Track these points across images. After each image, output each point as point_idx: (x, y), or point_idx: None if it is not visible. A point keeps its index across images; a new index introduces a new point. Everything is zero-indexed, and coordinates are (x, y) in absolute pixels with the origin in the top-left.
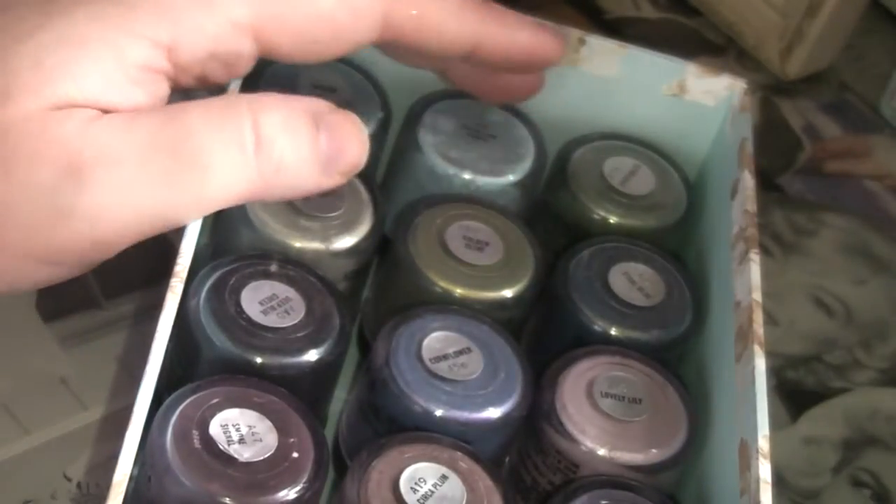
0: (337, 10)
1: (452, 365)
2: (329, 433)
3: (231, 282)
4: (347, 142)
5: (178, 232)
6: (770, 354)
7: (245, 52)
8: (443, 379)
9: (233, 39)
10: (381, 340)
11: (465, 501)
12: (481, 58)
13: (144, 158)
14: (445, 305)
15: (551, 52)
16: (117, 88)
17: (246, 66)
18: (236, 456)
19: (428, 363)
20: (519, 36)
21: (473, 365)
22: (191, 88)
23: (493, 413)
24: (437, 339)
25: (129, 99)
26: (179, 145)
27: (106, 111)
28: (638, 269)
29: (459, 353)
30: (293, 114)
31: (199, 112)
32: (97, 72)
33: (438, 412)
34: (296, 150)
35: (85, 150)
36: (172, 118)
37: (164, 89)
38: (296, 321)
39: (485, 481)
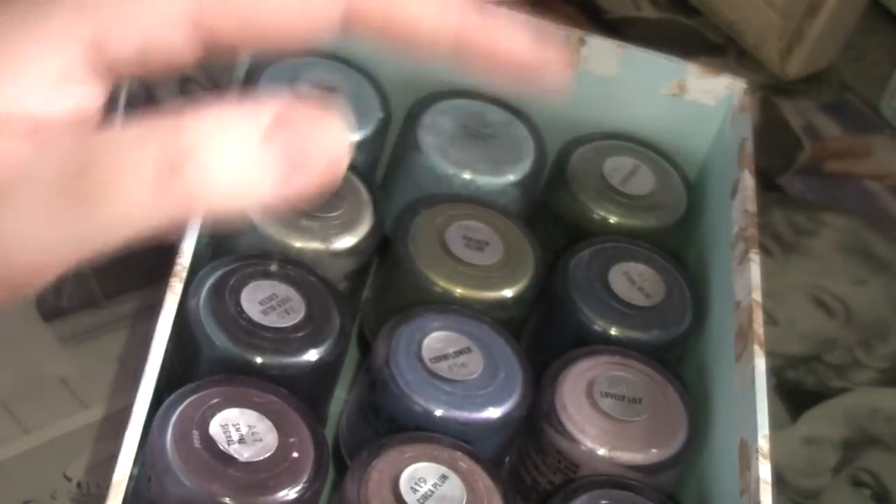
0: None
1: (452, 365)
2: (329, 433)
3: (231, 282)
4: (313, 139)
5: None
6: (770, 354)
7: (184, 42)
8: (443, 379)
9: (168, 30)
10: (381, 340)
11: (464, 501)
12: (466, 60)
13: (50, 184)
14: (445, 305)
15: (548, 65)
16: (40, 98)
17: (192, 56)
18: (236, 456)
19: (428, 363)
20: (509, 43)
21: (473, 365)
22: (146, 80)
23: (493, 413)
24: (437, 339)
25: (55, 107)
26: (85, 171)
27: (33, 123)
28: (638, 269)
29: (459, 352)
30: (224, 121)
31: (114, 134)
32: (15, 84)
33: (438, 412)
34: (219, 162)
35: (6, 167)
36: (85, 140)
37: (96, 91)
38: (296, 321)
39: (485, 481)
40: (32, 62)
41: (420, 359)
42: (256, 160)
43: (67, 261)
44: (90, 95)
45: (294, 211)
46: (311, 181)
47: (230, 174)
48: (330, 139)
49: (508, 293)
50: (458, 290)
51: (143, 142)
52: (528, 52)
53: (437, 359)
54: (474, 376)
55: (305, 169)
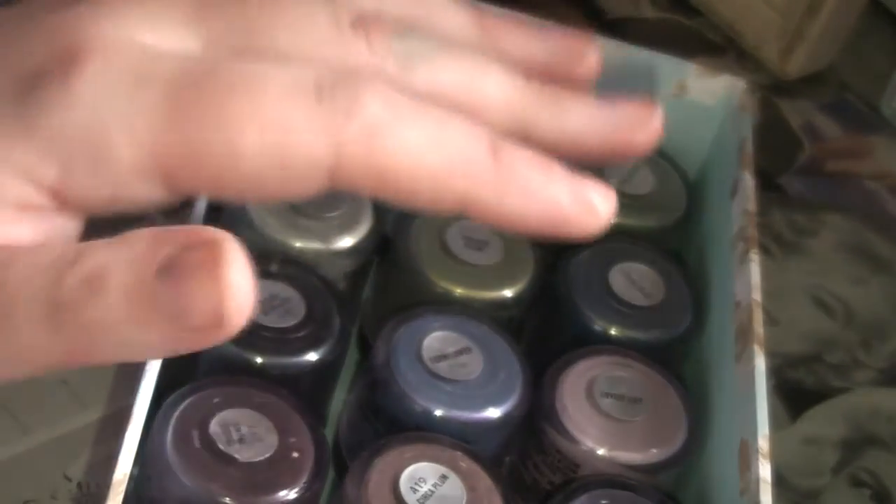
0: (261, 161)
1: (452, 364)
2: (329, 433)
3: None
4: (193, 291)
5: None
6: (770, 354)
7: (154, 196)
8: (443, 379)
9: (136, 186)
10: (382, 340)
11: (465, 501)
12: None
13: None
14: (445, 305)
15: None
16: (9, 224)
17: (165, 205)
18: (236, 456)
19: (428, 363)
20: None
21: (473, 365)
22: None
23: (493, 413)
24: (437, 339)
25: (9, 236)
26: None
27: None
28: (638, 269)
29: (459, 352)
30: (116, 264)
31: (26, 261)
32: None
33: (438, 412)
34: (101, 307)
35: None
36: (2, 262)
37: (57, 223)
38: (296, 321)
39: (485, 481)
40: None
41: (420, 358)
42: (142, 303)
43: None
44: (47, 227)
45: (294, 211)
46: (200, 338)
47: (118, 312)
48: (221, 293)
49: (508, 293)
50: (458, 290)
51: (45, 271)
52: (604, 128)
53: (437, 358)
54: (474, 376)
55: (192, 324)
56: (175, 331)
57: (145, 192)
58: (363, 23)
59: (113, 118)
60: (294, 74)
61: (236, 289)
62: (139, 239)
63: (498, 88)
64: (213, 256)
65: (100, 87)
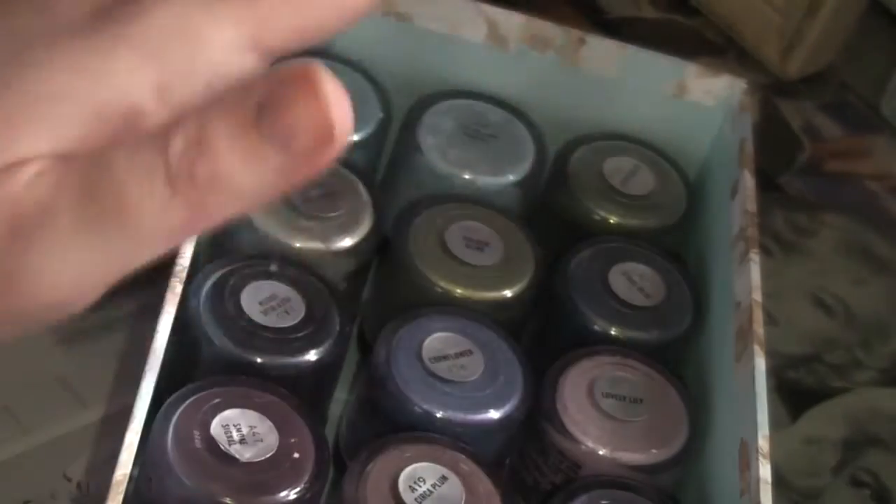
0: None
1: (452, 366)
2: (329, 433)
3: (231, 282)
4: (304, 111)
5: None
6: (770, 354)
7: (244, 64)
8: (442, 380)
9: (229, 60)
10: (382, 341)
11: (463, 503)
12: None
13: (74, 210)
14: (448, 306)
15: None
16: (94, 138)
17: (251, 70)
18: (237, 456)
19: (427, 363)
20: None
21: (473, 367)
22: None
23: (493, 415)
24: (438, 340)
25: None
26: (100, 187)
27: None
28: (638, 269)
29: (460, 354)
30: (210, 116)
31: (126, 146)
32: (71, 126)
33: (437, 412)
34: (218, 158)
35: (27, 207)
36: (98, 158)
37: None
38: (296, 321)
39: (485, 484)
40: (92, 109)
41: (420, 359)
42: (252, 144)
43: (99, 287)
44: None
45: (294, 211)
46: (313, 159)
47: (231, 164)
48: (322, 108)
49: (508, 293)
50: (458, 291)
51: (148, 152)
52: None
53: (437, 359)
54: (474, 378)
55: (303, 146)
56: (288, 160)
57: (235, 67)
58: None
59: (199, 10)
60: None
61: (337, 101)
62: (225, 94)
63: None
64: (306, 78)
65: None
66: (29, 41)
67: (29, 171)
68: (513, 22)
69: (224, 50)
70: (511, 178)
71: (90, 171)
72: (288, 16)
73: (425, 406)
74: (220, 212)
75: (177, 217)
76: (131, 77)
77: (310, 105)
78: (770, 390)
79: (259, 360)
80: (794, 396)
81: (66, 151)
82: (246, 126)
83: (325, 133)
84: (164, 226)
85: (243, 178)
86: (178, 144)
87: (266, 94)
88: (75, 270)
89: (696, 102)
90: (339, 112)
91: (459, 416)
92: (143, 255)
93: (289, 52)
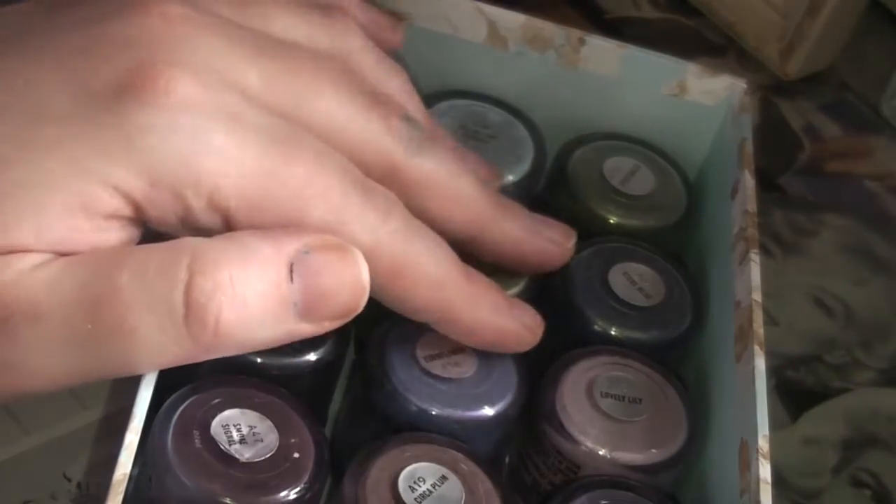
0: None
1: (446, 363)
2: (329, 434)
3: None
4: (332, 286)
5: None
6: (770, 354)
7: (212, 227)
8: (437, 377)
9: (206, 216)
10: (375, 339)
11: (462, 503)
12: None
13: (67, 317)
14: None
15: (551, 263)
16: (81, 236)
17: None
18: (237, 456)
19: (422, 361)
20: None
21: (467, 363)
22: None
23: (488, 411)
24: (430, 338)
25: (90, 244)
26: (104, 306)
27: (64, 255)
28: (638, 269)
29: (453, 351)
30: (244, 268)
31: (132, 266)
32: (61, 220)
33: (432, 411)
34: (242, 312)
35: (17, 300)
36: (102, 272)
37: (133, 233)
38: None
39: (485, 484)
40: (80, 205)
41: (414, 357)
42: (278, 307)
43: (80, 382)
44: (124, 237)
45: None
46: (326, 327)
47: (252, 320)
48: (349, 285)
49: (506, 293)
50: None
51: (166, 279)
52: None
53: (431, 357)
54: (468, 374)
55: (323, 315)
56: (306, 327)
57: (209, 222)
58: (380, 102)
59: (205, 153)
60: (344, 163)
61: (366, 281)
62: (258, 244)
63: (470, 189)
64: (345, 256)
65: (195, 118)
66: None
67: (24, 263)
68: (513, 22)
69: (208, 203)
70: (511, 178)
71: (93, 284)
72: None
73: (421, 405)
74: (221, 352)
75: (181, 352)
76: (120, 183)
77: (345, 282)
78: (770, 390)
79: (259, 360)
80: (794, 396)
81: (55, 245)
82: (279, 286)
83: (351, 310)
84: (165, 357)
85: (259, 328)
86: (205, 284)
87: (300, 256)
88: (57, 370)
89: (696, 102)
90: (366, 287)
91: (457, 413)
92: (126, 373)
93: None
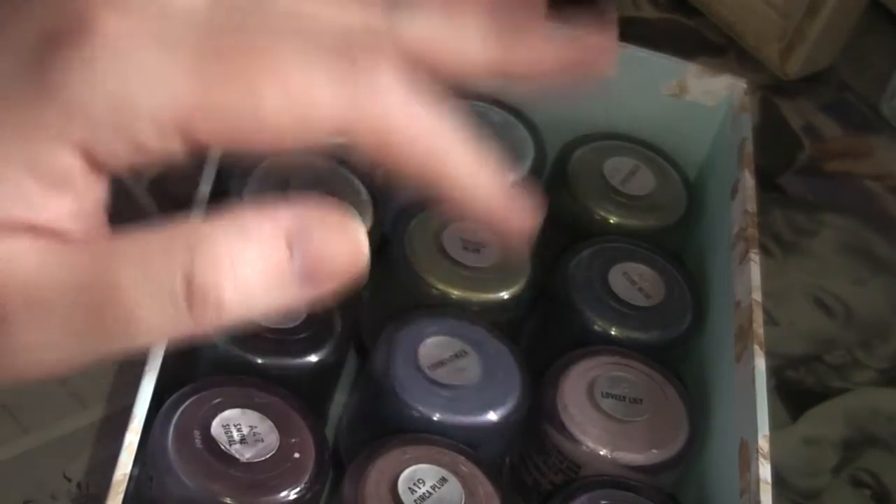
0: (282, 118)
1: (451, 370)
2: (329, 434)
3: None
4: (331, 251)
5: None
6: (770, 354)
7: (173, 152)
8: (442, 385)
9: (157, 142)
10: (379, 349)
11: None
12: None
13: (66, 305)
14: (439, 308)
15: (594, 62)
16: (40, 199)
17: (183, 158)
18: (238, 456)
19: (427, 371)
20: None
21: (471, 368)
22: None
23: (494, 416)
24: (433, 345)
25: (51, 208)
26: (103, 293)
27: (31, 227)
28: (638, 269)
29: (456, 356)
30: (244, 247)
31: (131, 254)
32: (12, 189)
33: (441, 419)
34: (243, 289)
35: (9, 283)
36: (100, 259)
37: (94, 187)
38: (296, 323)
39: (485, 486)
40: (24, 167)
41: (419, 367)
42: (278, 279)
43: (80, 365)
44: (85, 194)
45: None
46: (328, 290)
47: (253, 294)
48: (348, 248)
49: (505, 294)
50: (455, 292)
51: (165, 264)
52: (569, 55)
53: (436, 365)
54: (473, 380)
55: (323, 280)
56: (306, 292)
57: (165, 147)
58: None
59: (135, 80)
60: (310, 33)
61: (364, 243)
62: (256, 222)
63: (477, 33)
64: (341, 222)
65: (120, 48)
66: None
67: (13, 247)
68: None
69: (152, 125)
70: (511, 178)
71: (93, 267)
72: (229, 121)
73: (428, 413)
74: (223, 325)
75: (178, 329)
76: (58, 134)
77: (344, 245)
78: (770, 390)
79: (260, 360)
80: (794, 396)
81: (18, 217)
82: (278, 259)
83: (351, 271)
84: (165, 335)
85: (262, 302)
86: (205, 268)
87: (297, 226)
88: (53, 351)
89: (696, 102)
90: (365, 250)
91: (465, 419)
92: (130, 351)
93: (216, 147)
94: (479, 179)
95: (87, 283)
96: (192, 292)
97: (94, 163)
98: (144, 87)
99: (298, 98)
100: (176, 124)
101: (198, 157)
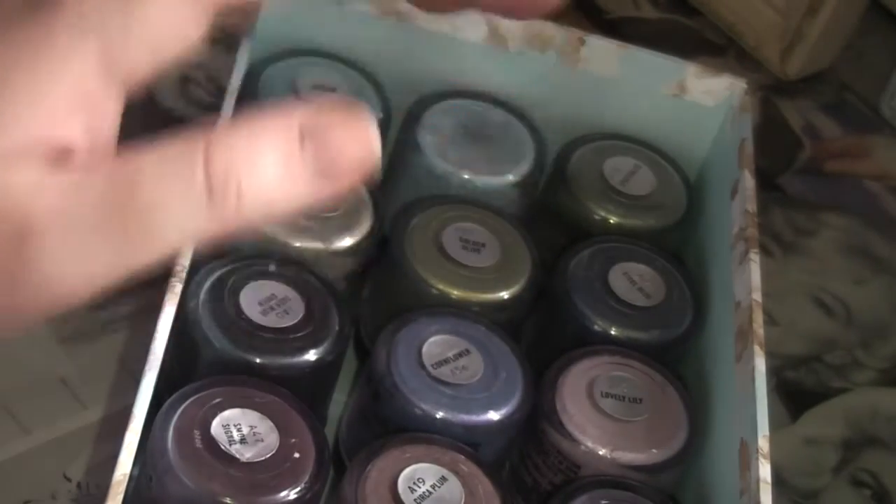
0: None
1: (454, 369)
2: (329, 434)
3: (230, 282)
4: (344, 143)
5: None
6: (770, 354)
7: (193, 25)
8: (446, 384)
9: (175, 20)
10: (381, 348)
11: None
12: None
13: (94, 221)
14: (440, 307)
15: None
16: (56, 118)
17: (201, 34)
18: (237, 456)
19: (430, 369)
20: None
21: (474, 367)
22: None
23: (497, 415)
24: (435, 344)
25: (74, 128)
26: (128, 203)
27: (56, 148)
28: (638, 269)
29: (459, 355)
30: (258, 139)
31: (150, 160)
32: (32, 110)
33: (445, 417)
34: (261, 179)
35: (35, 211)
36: (121, 171)
37: (111, 104)
38: (295, 321)
39: (485, 485)
40: (44, 85)
41: (422, 365)
42: (294, 169)
43: (108, 283)
44: (107, 112)
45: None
46: (344, 183)
47: (271, 185)
48: (360, 140)
49: (505, 294)
50: (455, 292)
51: (184, 163)
52: None
53: (439, 364)
54: (476, 379)
55: (339, 173)
56: (324, 183)
57: (182, 28)
58: None
59: None
60: None
61: (375, 134)
62: (266, 120)
63: None
64: (351, 111)
65: None
66: None
67: (31, 168)
68: (513, 22)
69: (169, 9)
70: (511, 178)
71: (116, 177)
72: None
73: (432, 412)
74: (243, 223)
75: (203, 224)
76: (73, 49)
77: (356, 137)
78: (770, 390)
79: (258, 360)
80: (794, 396)
81: (58, 133)
82: (292, 150)
83: (365, 163)
84: (187, 231)
85: (279, 196)
86: (222, 158)
87: (309, 121)
88: (85, 268)
89: (696, 102)
90: (377, 144)
91: (470, 418)
92: (155, 256)
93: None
94: None
95: (110, 191)
96: (211, 183)
97: (112, 74)
98: None
99: None
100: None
101: (213, 38)
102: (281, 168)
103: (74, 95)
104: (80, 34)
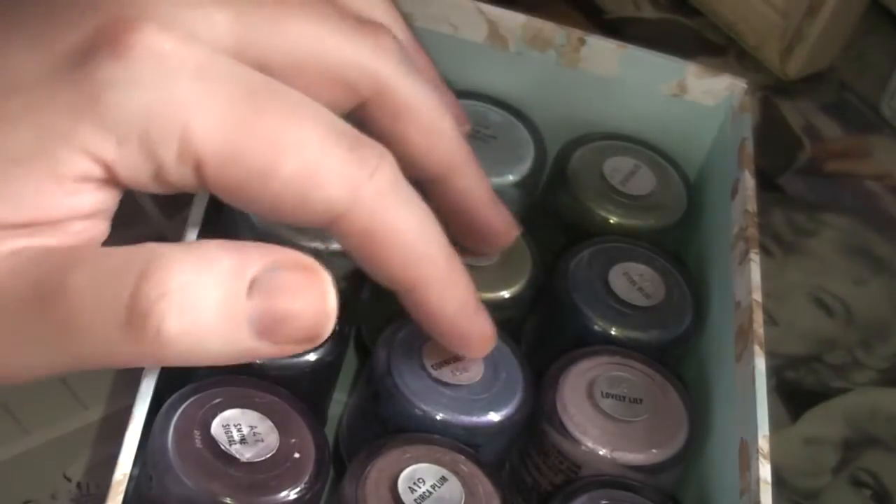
0: (288, 188)
1: (454, 369)
2: (329, 434)
3: None
4: (295, 308)
5: (178, 232)
6: (770, 354)
7: (186, 184)
8: (446, 384)
9: (177, 171)
10: (381, 348)
11: None
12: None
13: (17, 300)
14: None
15: (496, 239)
16: (53, 201)
17: (192, 191)
18: (238, 456)
19: (430, 370)
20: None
21: (474, 368)
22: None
23: (498, 416)
24: (436, 343)
25: (65, 211)
26: (54, 303)
27: (43, 224)
28: (638, 269)
29: (459, 355)
30: (198, 277)
31: (87, 266)
32: (30, 188)
33: (446, 419)
34: (192, 316)
35: None
36: (61, 262)
37: (109, 197)
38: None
39: (485, 486)
40: (47, 171)
41: (422, 366)
42: (233, 314)
43: (35, 376)
44: (100, 201)
45: None
46: (290, 346)
47: (203, 325)
48: (312, 309)
49: (506, 294)
50: None
51: (117, 271)
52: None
53: (439, 364)
54: (477, 379)
55: (280, 337)
56: (261, 342)
57: (182, 177)
58: (366, 23)
59: (173, 104)
60: (324, 112)
61: (333, 309)
62: (219, 254)
63: (452, 126)
64: (312, 278)
65: (159, 69)
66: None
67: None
68: (513, 22)
69: (177, 157)
70: (511, 178)
71: (46, 280)
72: (238, 176)
73: (432, 413)
74: (171, 361)
75: (128, 356)
76: (89, 145)
77: (309, 306)
78: (770, 390)
79: (259, 360)
80: (794, 396)
81: (30, 216)
82: (237, 294)
83: (315, 336)
84: (106, 354)
85: (212, 340)
86: (155, 285)
87: (264, 274)
88: (14, 358)
89: (696, 102)
90: (332, 312)
91: (471, 419)
92: (83, 366)
93: (217, 194)
94: (450, 290)
95: (41, 281)
96: (132, 311)
97: (114, 178)
98: (180, 112)
99: (310, 172)
100: (197, 158)
101: (185, 202)
102: (219, 309)
103: (74, 187)
104: (99, 135)
